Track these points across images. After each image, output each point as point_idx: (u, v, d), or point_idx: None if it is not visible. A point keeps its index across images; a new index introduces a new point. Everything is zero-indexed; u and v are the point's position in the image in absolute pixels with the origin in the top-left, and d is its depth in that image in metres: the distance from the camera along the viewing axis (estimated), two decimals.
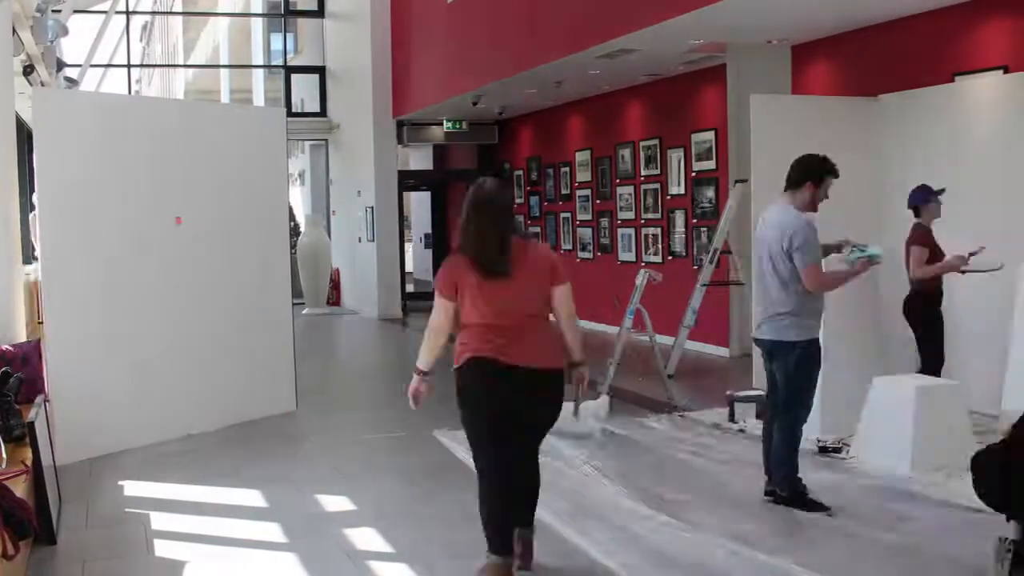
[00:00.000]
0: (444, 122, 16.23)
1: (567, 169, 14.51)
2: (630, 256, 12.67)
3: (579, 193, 14.15)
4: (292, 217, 14.77)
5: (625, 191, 12.85)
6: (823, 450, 6.54)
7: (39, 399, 5.92)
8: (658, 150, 12.09)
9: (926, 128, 8.08)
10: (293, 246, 13.02)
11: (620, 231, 13.03)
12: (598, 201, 13.62)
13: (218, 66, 28.33)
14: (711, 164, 11.08)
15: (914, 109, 8.19)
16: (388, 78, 15.99)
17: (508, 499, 4.38)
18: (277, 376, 8.31)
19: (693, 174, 11.42)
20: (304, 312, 16.46)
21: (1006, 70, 7.58)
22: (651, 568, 4.66)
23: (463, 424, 4.50)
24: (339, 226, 18.11)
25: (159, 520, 5.56)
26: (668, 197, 11.94)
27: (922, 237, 7.00)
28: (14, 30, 8.32)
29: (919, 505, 5.50)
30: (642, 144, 12.43)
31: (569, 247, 14.48)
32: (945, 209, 7.32)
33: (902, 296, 7.12)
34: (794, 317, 5.34)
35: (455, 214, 18.68)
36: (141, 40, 34.64)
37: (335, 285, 17.77)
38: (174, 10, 30.74)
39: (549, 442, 6.49)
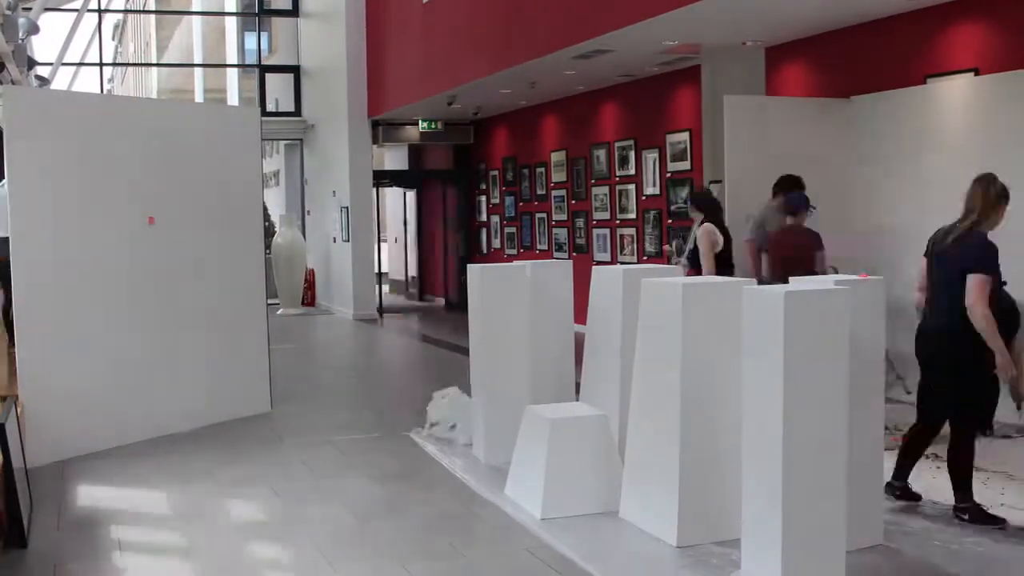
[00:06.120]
0: (419, 122, 16.22)
1: (542, 169, 14.53)
2: (605, 256, 12.71)
3: (554, 193, 14.17)
4: (267, 217, 14.74)
5: (600, 191, 12.89)
6: None
7: (9, 400, 5.87)
8: (633, 151, 12.14)
9: (898, 129, 8.15)
10: (268, 246, 13.01)
11: (595, 231, 13.07)
12: (573, 201, 13.65)
13: (192, 65, 28.18)
14: (686, 165, 11.13)
15: (886, 110, 8.26)
16: (363, 78, 15.96)
17: None
18: (252, 377, 8.27)
19: (668, 175, 11.47)
20: (279, 313, 16.40)
21: (977, 72, 7.66)
22: None
23: None
24: (314, 226, 18.06)
25: (132, 523, 5.52)
26: (643, 198, 11.98)
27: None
28: None
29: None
30: (617, 145, 12.47)
31: (544, 247, 14.51)
32: (918, 209, 7.43)
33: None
34: None
35: (431, 214, 18.70)
36: (114, 39, 34.41)
37: (310, 285, 17.71)
38: (147, 9, 30.57)
39: None
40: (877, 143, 8.35)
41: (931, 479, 5.78)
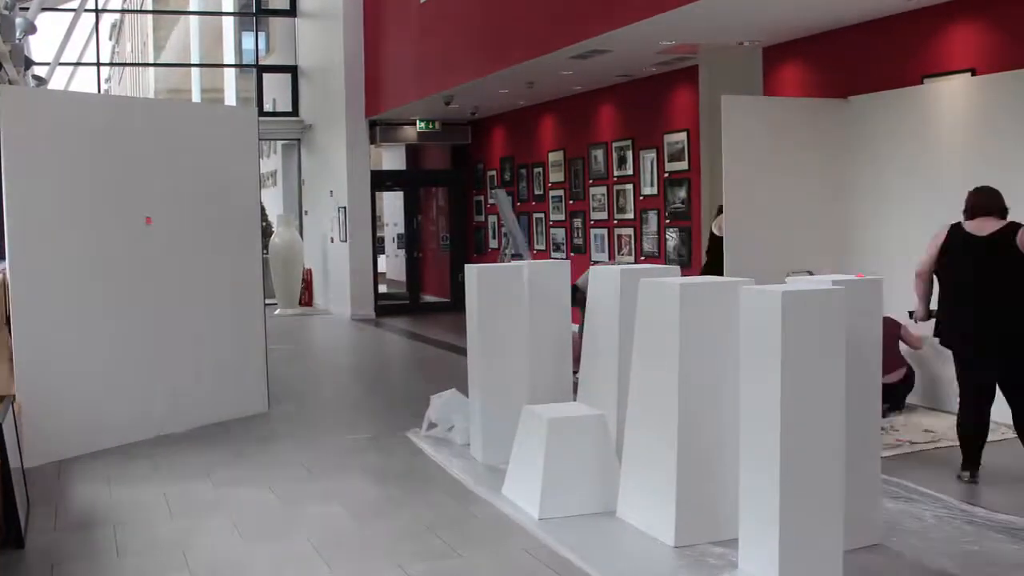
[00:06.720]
0: (417, 122, 16.22)
1: (540, 170, 14.53)
2: (603, 256, 12.71)
3: (552, 194, 14.17)
4: (264, 217, 14.72)
5: (598, 191, 12.89)
6: None
7: (6, 400, 5.86)
8: (631, 151, 12.14)
9: (895, 129, 8.16)
10: (265, 246, 12.98)
11: (593, 231, 13.07)
12: (571, 202, 13.65)
13: (189, 65, 28.18)
14: (683, 165, 11.14)
15: (883, 110, 8.27)
16: (361, 78, 15.95)
17: None
18: (249, 377, 8.27)
19: (666, 175, 11.47)
20: (276, 313, 16.39)
21: (974, 73, 7.67)
22: None
23: None
24: (311, 226, 18.05)
25: (129, 522, 5.51)
26: (641, 198, 11.99)
27: None
28: None
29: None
30: (615, 145, 12.48)
31: (542, 247, 14.51)
32: (916, 209, 7.45)
33: None
34: None
35: (428, 215, 18.70)
36: (111, 39, 34.38)
37: (307, 285, 17.71)
38: (144, 8, 30.55)
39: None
40: (875, 143, 8.36)
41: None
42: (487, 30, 11.62)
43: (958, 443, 5.97)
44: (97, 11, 17.59)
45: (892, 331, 7.19)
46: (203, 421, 7.80)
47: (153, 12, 30.47)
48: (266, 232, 15.14)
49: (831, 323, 4.27)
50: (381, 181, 17.30)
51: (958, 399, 5.97)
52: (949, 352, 6.17)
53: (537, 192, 14.66)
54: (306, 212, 18.44)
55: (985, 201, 5.94)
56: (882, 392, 5.06)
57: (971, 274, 5.76)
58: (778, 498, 4.16)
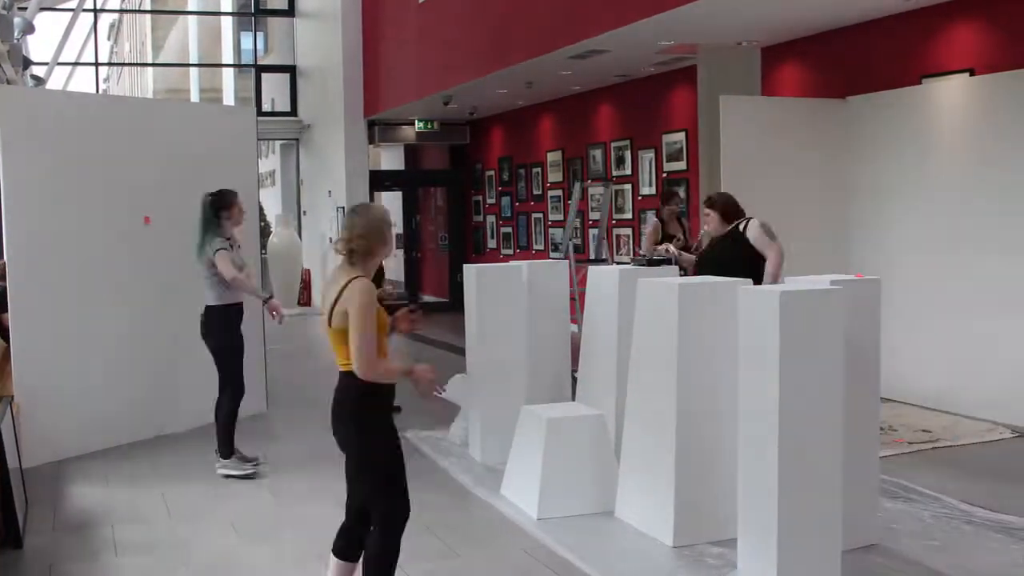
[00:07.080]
0: (415, 122, 16.21)
1: (539, 169, 14.54)
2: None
3: (551, 193, 14.18)
4: (263, 217, 14.72)
5: (597, 192, 12.89)
6: None
7: (4, 400, 5.86)
8: (629, 151, 12.15)
9: (894, 129, 8.16)
10: (263, 246, 12.97)
11: (591, 231, 13.06)
12: (569, 201, 13.64)
13: (188, 65, 28.15)
14: (682, 165, 11.14)
15: (882, 111, 8.27)
16: (359, 78, 15.95)
17: None
18: (248, 377, 8.22)
19: (664, 175, 11.47)
20: None
21: (972, 73, 7.68)
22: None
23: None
24: (310, 226, 18.04)
25: (127, 523, 5.51)
26: (639, 198, 11.99)
27: None
28: None
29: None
30: (613, 145, 12.48)
31: (541, 247, 14.51)
32: (915, 209, 7.44)
33: None
34: None
35: (426, 214, 18.69)
36: (109, 38, 34.35)
37: (306, 285, 17.71)
38: (143, 8, 30.54)
39: None
40: (873, 143, 8.36)
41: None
42: (486, 30, 11.62)
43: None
44: (95, 11, 17.58)
45: None
46: (202, 421, 7.77)
47: (151, 12, 30.45)
48: (264, 232, 15.13)
49: (830, 323, 4.27)
50: (380, 181, 17.29)
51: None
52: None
53: (536, 192, 14.66)
54: (304, 212, 18.44)
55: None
56: None
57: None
58: (776, 498, 4.15)
